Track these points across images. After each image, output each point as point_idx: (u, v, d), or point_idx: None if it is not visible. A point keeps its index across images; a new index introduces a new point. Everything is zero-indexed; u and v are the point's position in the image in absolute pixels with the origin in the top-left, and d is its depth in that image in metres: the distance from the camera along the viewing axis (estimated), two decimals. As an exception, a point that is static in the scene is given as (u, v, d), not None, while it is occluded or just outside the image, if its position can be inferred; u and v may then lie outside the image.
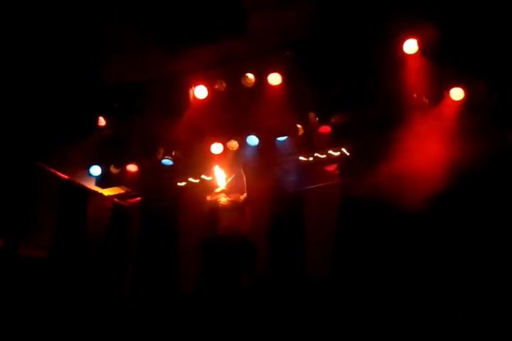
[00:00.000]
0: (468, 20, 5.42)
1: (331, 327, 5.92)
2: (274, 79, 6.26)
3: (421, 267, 5.77)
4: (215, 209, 5.72)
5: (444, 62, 5.63)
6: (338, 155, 6.55)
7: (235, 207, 5.72)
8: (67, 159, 6.82)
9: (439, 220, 5.84)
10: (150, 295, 6.79)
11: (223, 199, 5.73)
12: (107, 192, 7.19)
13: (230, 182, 5.86)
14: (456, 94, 5.75)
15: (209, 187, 6.10)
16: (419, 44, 5.71)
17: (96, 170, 6.97)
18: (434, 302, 5.63)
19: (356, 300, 5.96)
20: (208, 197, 5.81)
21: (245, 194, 5.77)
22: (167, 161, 6.78)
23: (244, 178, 5.78)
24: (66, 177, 6.82)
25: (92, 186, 7.08)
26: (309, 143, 6.45)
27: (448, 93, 5.79)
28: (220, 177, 5.89)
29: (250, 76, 6.34)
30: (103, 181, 7.08)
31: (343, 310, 5.97)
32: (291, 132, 6.39)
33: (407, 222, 5.90)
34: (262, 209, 6.55)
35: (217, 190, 5.82)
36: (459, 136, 5.69)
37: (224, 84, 6.46)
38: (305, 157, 6.62)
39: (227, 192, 5.80)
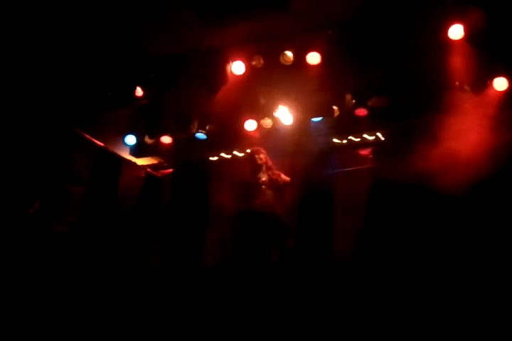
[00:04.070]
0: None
1: (353, 309, 5.92)
2: (313, 58, 6.16)
3: (452, 253, 5.68)
4: (255, 184, 5.79)
5: (490, 51, 5.42)
6: (373, 140, 6.44)
7: (273, 186, 5.78)
8: (103, 127, 6.90)
9: (472, 207, 5.72)
10: (175, 266, 6.88)
11: (264, 176, 5.79)
12: (140, 161, 7.26)
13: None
14: (500, 84, 5.55)
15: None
16: (465, 30, 5.52)
17: (131, 140, 7.05)
18: (464, 291, 5.54)
19: (381, 282, 5.93)
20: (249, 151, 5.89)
21: (289, 178, 5.87)
22: (201, 135, 6.79)
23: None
24: (101, 144, 6.91)
25: (126, 155, 7.16)
26: (344, 125, 6.35)
27: (491, 82, 5.60)
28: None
29: (289, 54, 6.26)
30: (137, 151, 7.16)
31: (367, 293, 5.95)
32: (326, 113, 6.29)
33: (439, 207, 5.81)
34: (293, 189, 6.52)
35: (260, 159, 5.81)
36: (499, 126, 5.52)
37: (262, 61, 6.39)
38: (339, 139, 6.55)
39: (270, 166, 5.84)
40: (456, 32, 5.57)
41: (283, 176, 5.90)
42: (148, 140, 7.04)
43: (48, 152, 6.46)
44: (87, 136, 6.76)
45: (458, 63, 5.66)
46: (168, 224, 7.20)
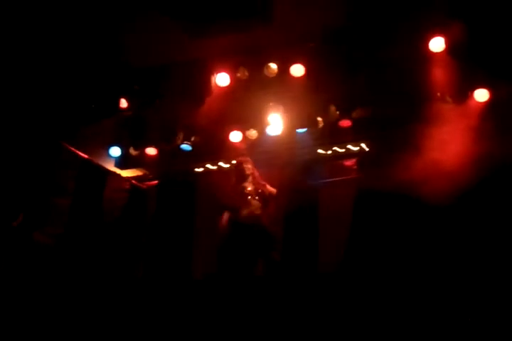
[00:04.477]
0: (498, 21, 5.30)
1: (340, 321, 5.92)
2: (297, 70, 6.23)
3: (436, 261, 5.71)
4: (241, 195, 5.81)
5: (471, 63, 5.52)
6: (357, 150, 6.50)
7: (260, 196, 5.81)
8: (88, 139, 6.89)
9: (456, 216, 5.77)
10: (161, 281, 6.83)
11: (250, 186, 5.82)
12: (125, 173, 7.24)
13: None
14: (481, 95, 5.64)
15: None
16: (446, 42, 5.61)
17: (115, 151, 7.03)
18: (449, 300, 5.58)
19: (367, 293, 5.94)
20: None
21: (275, 190, 5.91)
22: (186, 146, 6.80)
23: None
24: (86, 156, 6.88)
25: (111, 167, 7.14)
26: (329, 136, 6.40)
27: (473, 93, 5.69)
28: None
29: (273, 66, 6.32)
30: (122, 162, 7.14)
31: (353, 305, 5.95)
32: (311, 124, 6.34)
33: (423, 218, 5.85)
34: (278, 200, 6.54)
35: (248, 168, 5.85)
36: (481, 136, 5.60)
37: (246, 73, 6.44)
38: (323, 150, 6.59)
39: (256, 177, 5.87)
40: (437, 44, 5.67)
41: (268, 187, 5.95)
42: (133, 151, 7.03)
43: (32, 164, 6.43)
44: (72, 149, 6.75)
45: (440, 75, 5.75)
46: (153, 237, 7.17)
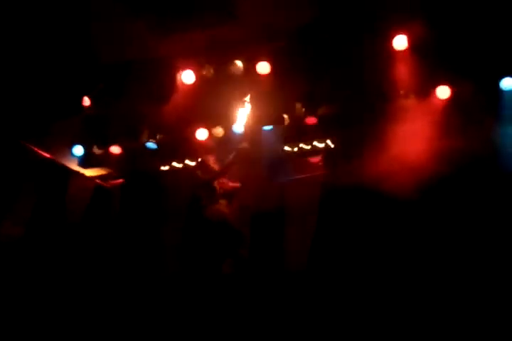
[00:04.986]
0: (459, 19, 5.43)
1: (307, 319, 5.98)
2: (263, 68, 6.24)
3: (402, 257, 5.82)
4: (207, 193, 5.83)
5: (433, 60, 5.64)
6: (323, 147, 6.55)
7: (225, 193, 5.84)
8: (50, 138, 6.78)
9: (422, 211, 5.88)
10: (129, 280, 6.77)
11: (216, 184, 5.85)
12: (89, 172, 7.14)
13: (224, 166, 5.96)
14: (443, 92, 5.76)
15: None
16: (409, 41, 5.71)
17: (78, 150, 6.91)
18: (417, 296, 5.67)
19: (333, 289, 6.01)
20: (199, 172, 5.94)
21: (238, 184, 5.92)
22: (151, 144, 6.74)
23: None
24: (48, 156, 6.78)
25: (74, 166, 7.04)
26: (295, 133, 6.44)
27: (435, 90, 5.80)
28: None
29: (239, 63, 6.32)
30: (85, 161, 7.02)
31: (320, 302, 6.02)
32: (277, 122, 6.37)
33: (389, 213, 5.95)
34: (245, 198, 6.56)
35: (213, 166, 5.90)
36: (444, 132, 5.73)
37: (212, 71, 6.43)
38: (290, 147, 6.62)
39: (219, 175, 5.90)
40: (400, 42, 5.75)
41: (231, 183, 5.98)
42: (96, 150, 6.93)
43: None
44: (34, 148, 6.64)
45: (403, 72, 5.84)
46: (119, 236, 7.10)
